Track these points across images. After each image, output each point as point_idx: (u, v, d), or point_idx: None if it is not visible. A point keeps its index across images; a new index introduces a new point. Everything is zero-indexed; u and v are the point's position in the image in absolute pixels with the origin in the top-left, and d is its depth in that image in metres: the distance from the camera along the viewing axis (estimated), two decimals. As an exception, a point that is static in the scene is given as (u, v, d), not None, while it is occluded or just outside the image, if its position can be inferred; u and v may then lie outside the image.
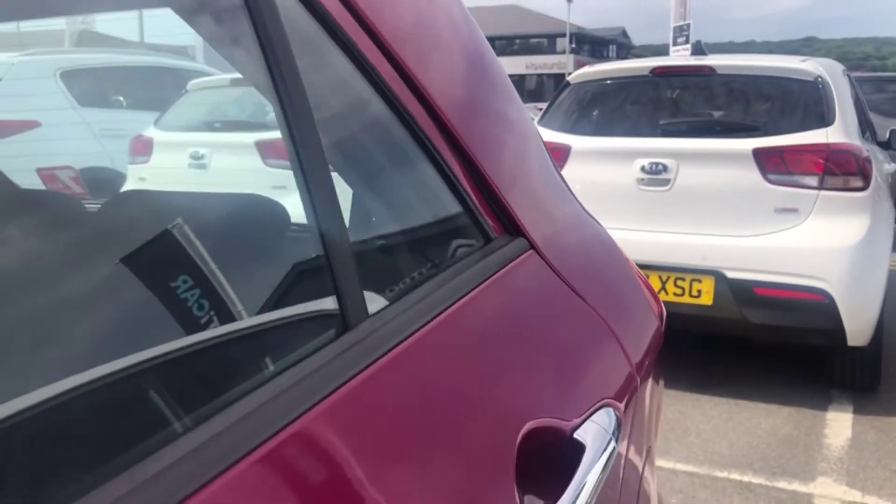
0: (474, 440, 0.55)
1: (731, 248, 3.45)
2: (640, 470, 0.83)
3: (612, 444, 0.64)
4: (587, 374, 0.73)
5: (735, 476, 2.93)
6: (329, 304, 0.52)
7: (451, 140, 0.69)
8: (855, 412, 3.51)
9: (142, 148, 5.14)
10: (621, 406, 0.72)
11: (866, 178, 3.40)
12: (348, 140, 0.65)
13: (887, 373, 3.80)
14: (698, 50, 4.25)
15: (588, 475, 0.61)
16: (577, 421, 0.66)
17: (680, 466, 2.99)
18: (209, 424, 0.43)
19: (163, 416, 0.46)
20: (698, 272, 3.50)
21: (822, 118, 3.51)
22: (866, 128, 4.31)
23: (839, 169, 3.38)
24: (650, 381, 0.86)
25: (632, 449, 0.77)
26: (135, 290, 0.61)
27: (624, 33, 66.76)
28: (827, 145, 3.40)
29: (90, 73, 5.89)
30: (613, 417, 0.68)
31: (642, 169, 3.61)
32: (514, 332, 0.69)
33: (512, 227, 0.76)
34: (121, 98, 5.77)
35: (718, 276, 3.47)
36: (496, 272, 0.69)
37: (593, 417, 0.67)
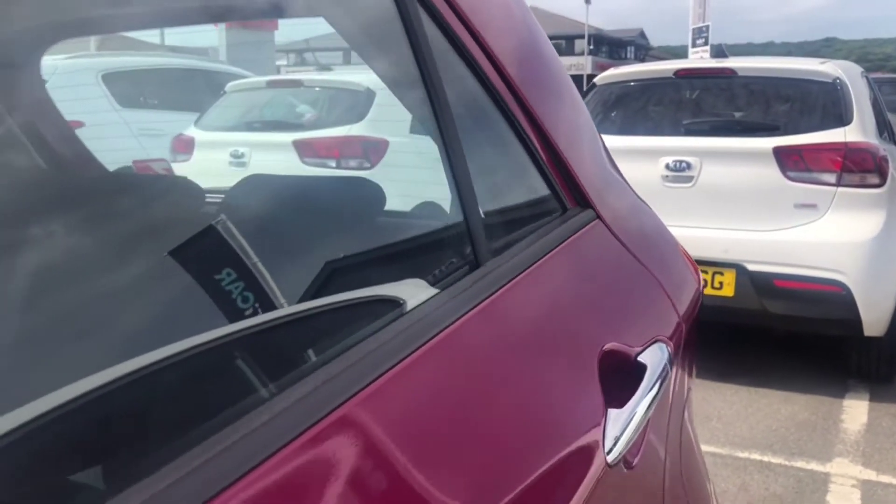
0: (571, 354, 0.74)
1: (752, 241, 3.61)
2: (684, 401, 1.01)
3: (666, 367, 0.83)
4: (645, 317, 0.92)
5: (756, 456, 3.09)
6: (468, 249, 0.71)
7: (538, 128, 0.88)
8: (871, 400, 3.66)
9: (183, 147, 5.35)
10: (671, 344, 0.91)
11: (883, 175, 3.55)
12: (465, 130, 0.84)
13: (903, 363, 3.94)
14: (719, 53, 4.42)
15: (649, 388, 0.79)
16: (639, 349, 0.84)
17: (703, 448, 3.15)
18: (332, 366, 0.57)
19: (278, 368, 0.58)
20: (720, 265, 3.66)
21: (840, 118, 3.66)
22: (884, 128, 4.45)
23: (856, 167, 3.53)
24: (691, 332, 1.05)
25: (677, 381, 0.95)
26: (290, 258, 0.79)
27: (642, 34, 66.68)
28: (845, 144, 3.55)
29: (129, 76, 6.14)
30: (665, 350, 0.86)
31: (667, 166, 3.78)
32: (589, 280, 0.87)
33: (582, 200, 0.95)
34: (157, 100, 6.01)
35: (740, 269, 3.63)
36: (572, 235, 0.88)
37: (651, 347, 0.85)
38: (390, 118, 4.91)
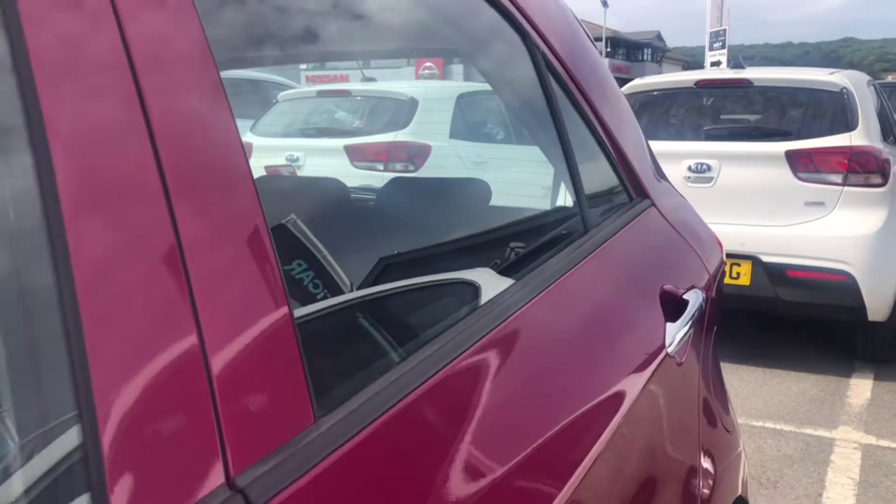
0: (644, 289, 1.15)
1: (766, 236, 4.01)
2: (713, 333, 1.43)
3: (701, 303, 1.24)
4: (686, 272, 1.33)
5: (769, 425, 3.49)
6: (580, 223, 1.14)
7: (612, 140, 1.30)
8: (875, 379, 4.04)
9: (241, 151, 5.78)
10: (704, 290, 1.32)
11: (885, 175, 3.94)
12: (573, 140, 1.26)
13: (906, 348, 4.33)
14: (737, 64, 4.81)
15: (691, 314, 1.20)
16: (683, 291, 1.25)
17: (722, 417, 3.55)
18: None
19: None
20: (738, 257, 4.05)
21: (847, 124, 4.05)
22: (889, 132, 4.82)
23: (861, 168, 3.92)
24: (718, 286, 1.48)
25: (708, 317, 1.37)
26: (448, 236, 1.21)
27: (659, 37, 66.77)
28: (850, 147, 3.94)
29: None
30: (700, 294, 1.28)
31: (689, 168, 4.19)
32: (651, 247, 1.29)
33: (641, 192, 1.37)
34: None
35: (755, 261, 4.02)
36: (637, 217, 1.30)
37: (691, 290, 1.26)
38: (432, 125, 5.34)
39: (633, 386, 0.99)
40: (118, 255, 0.46)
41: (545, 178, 1.58)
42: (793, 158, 4.01)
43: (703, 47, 21.97)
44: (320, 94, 5.83)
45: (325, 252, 0.99)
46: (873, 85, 4.94)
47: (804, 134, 4.11)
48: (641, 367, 1.04)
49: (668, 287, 1.22)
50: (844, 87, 4.22)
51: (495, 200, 1.58)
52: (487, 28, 1.14)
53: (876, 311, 3.90)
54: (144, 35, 0.50)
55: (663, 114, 4.63)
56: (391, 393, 0.64)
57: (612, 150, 1.30)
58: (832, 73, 4.45)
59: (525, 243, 1.18)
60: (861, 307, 3.88)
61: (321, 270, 0.96)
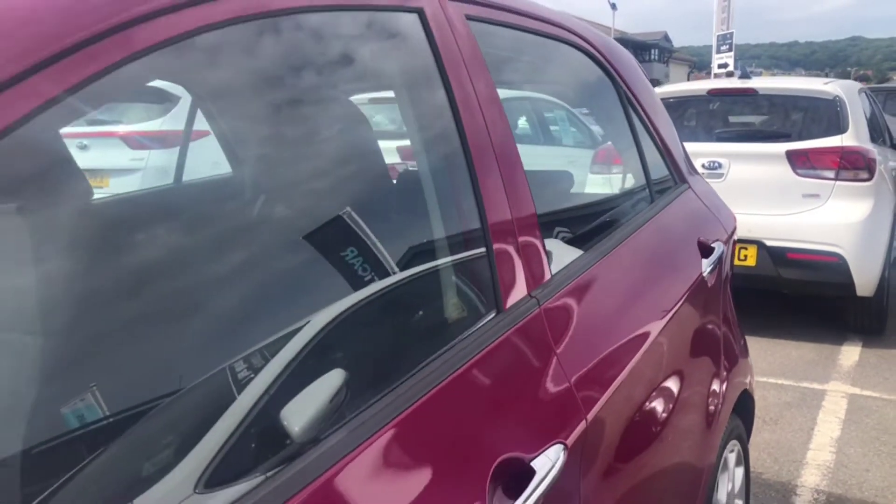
0: (686, 239, 1.84)
1: (770, 223, 4.68)
2: (729, 277, 2.12)
3: (723, 249, 1.93)
4: (713, 231, 2.01)
5: (772, 380, 4.16)
6: (648, 196, 1.82)
7: (662, 140, 1.98)
8: (863, 346, 4.70)
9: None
10: (723, 243, 2.01)
11: (871, 171, 4.60)
12: (642, 142, 1.93)
13: (892, 321, 5.00)
14: (744, 74, 5.48)
15: (716, 257, 1.89)
16: (711, 242, 1.93)
17: (732, 375, 4.22)
18: None
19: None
20: (745, 242, 4.72)
21: (839, 127, 4.72)
22: (879, 134, 5.49)
23: (850, 165, 4.58)
24: (730, 241, 2.17)
25: (726, 259, 2.06)
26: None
27: (666, 37, 67.30)
28: (842, 148, 4.61)
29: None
30: (722, 244, 1.96)
31: (703, 166, 4.85)
32: (690, 214, 1.98)
33: (681, 178, 2.05)
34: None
35: (760, 245, 4.69)
36: (679, 196, 1.98)
37: (716, 242, 1.94)
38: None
39: (682, 291, 1.67)
40: (492, 194, 1.14)
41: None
42: (792, 157, 4.67)
43: (710, 46, 22.52)
44: (373, 101, 6.37)
45: (375, 239, 1.12)
46: (864, 92, 5.60)
47: (802, 136, 4.78)
48: (686, 282, 1.72)
49: (701, 239, 1.90)
50: (837, 96, 4.89)
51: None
52: (595, 74, 1.84)
53: (863, 287, 4.56)
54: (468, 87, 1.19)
55: (679, 118, 5.30)
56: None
57: (664, 151, 1.99)
58: (827, 83, 5.12)
59: (612, 213, 1.86)
60: (851, 284, 4.55)
61: (369, 255, 1.08)
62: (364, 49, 1.12)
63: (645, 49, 63.39)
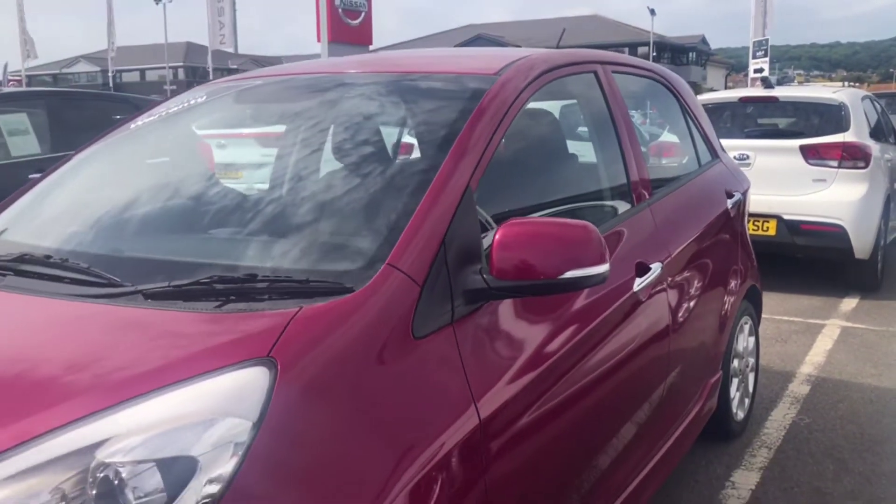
0: (719, 191, 3.21)
1: (786, 201, 6.00)
2: (745, 215, 3.48)
3: (739, 196, 3.30)
4: (734, 186, 3.34)
5: (785, 318, 5.49)
6: (696, 166, 3.21)
7: (704, 133, 3.36)
8: (861, 299, 6.01)
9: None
10: (741, 194, 3.38)
11: (867, 161, 5.91)
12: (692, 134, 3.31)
13: (886, 281, 6.30)
14: (768, 85, 6.81)
15: (739, 198, 3.27)
16: (733, 191, 3.30)
17: (755, 315, 5.56)
18: None
19: None
20: (767, 216, 6.05)
21: (842, 127, 6.03)
22: (882, 133, 6.77)
23: (850, 156, 5.90)
24: (747, 194, 3.54)
25: (744, 204, 3.43)
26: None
27: (703, 40, 67.92)
28: (844, 143, 5.92)
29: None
30: (739, 194, 3.33)
31: (734, 157, 6.19)
32: (721, 175, 3.33)
33: (715, 154, 3.42)
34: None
35: (779, 218, 6.02)
36: (715, 165, 3.35)
37: (736, 192, 3.32)
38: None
39: (714, 215, 3.07)
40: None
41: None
42: (805, 150, 6.00)
43: (747, 48, 23.51)
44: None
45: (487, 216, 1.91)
46: (868, 98, 6.90)
47: (813, 134, 6.11)
48: (717, 211, 3.11)
49: (727, 189, 3.29)
50: (842, 102, 6.20)
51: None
52: (668, 102, 3.25)
53: (861, 251, 5.88)
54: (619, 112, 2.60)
55: (717, 119, 6.64)
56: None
57: (705, 138, 3.38)
58: (835, 92, 6.45)
59: (681, 172, 3.25)
60: (850, 249, 5.86)
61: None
62: (576, 89, 2.55)
63: (682, 52, 64.13)
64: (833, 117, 6.15)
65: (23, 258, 1.81)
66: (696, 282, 2.82)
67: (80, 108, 6.76)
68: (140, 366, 1.33)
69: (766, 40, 22.14)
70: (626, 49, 56.54)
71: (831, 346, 4.85)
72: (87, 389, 1.29)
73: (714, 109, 6.68)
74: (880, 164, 6.20)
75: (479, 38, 61.90)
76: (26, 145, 6.17)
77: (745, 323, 3.54)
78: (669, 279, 2.54)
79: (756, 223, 6.08)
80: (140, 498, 1.14)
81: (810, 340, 4.96)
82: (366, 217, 1.74)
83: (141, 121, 2.47)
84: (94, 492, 1.15)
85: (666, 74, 3.28)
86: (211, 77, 34.15)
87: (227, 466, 1.19)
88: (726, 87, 55.55)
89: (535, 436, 1.77)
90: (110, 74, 31.92)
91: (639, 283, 2.29)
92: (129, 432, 1.19)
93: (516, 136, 2.15)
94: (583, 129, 2.87)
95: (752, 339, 3.64)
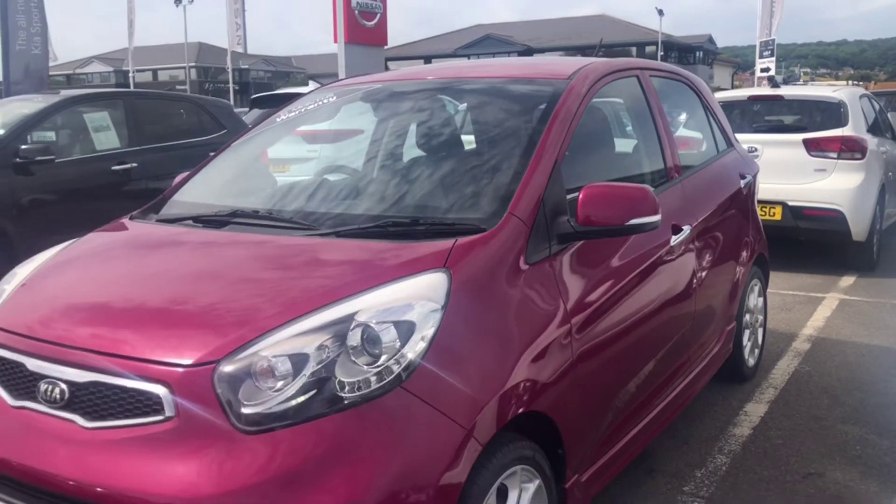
0: (733, 176, 3.90)
1: (791, 189, 6.67)
2: (756, 192, 4.15)
3: (750, 178, 3.97)
4: (746, 169, 4.01)
5: (790, 292, 6.17)
6: (715, 153, 3.89)
7: (722, 127, 4.03)
8: (858, 277, 6.68)
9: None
10: (751, 177, 4.05)
11: (863, 153, 6.58)
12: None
13: (882, 262, 6.97)
14: (774, 84, 7.49)
15: (752, 179, 3.96)
16: (745, 174, 3.98)
17: (763, 290, 6.24)
18: None
19: None
20: (773, 202, 6.72)
21: (841, 122, 6.70)
22: (880, 128, 7.44)
23: (848, 148, 6.57)
24: (756, 177, 4.22)
25: (754, 184, 4.10)
26: None
27: (710, 40, 68.42)
28: (842, 136, 6.59)
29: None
30: (750, 176, 4.01)
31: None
32: (735, 161, 4.00)
33: (730, 144, 4.09)
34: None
35: (784, 205, 6.69)
36: (730, 152, 4.02)
37: (748, 174, 3.99)
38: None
39: (730, 193, 3.75)
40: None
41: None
42: (807, 143, 6.68)
43: (753, 46, 24.17)
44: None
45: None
46: (867, 97, 7.58)
47: (814, 128, 6.79)
48: (732, 189, 3.79)
49: (740, 172, 3.98)
50: (841, 100, 6.88)
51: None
52: (692, 100, 3.94)
53: (858, 234, 6.55)
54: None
55: (729, 115, 7.31)
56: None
57: (722, 130, 4.06)
58: (835, 91, 7.12)
59: (703, 157, 3.93)
60: (848, 232, 6.54)
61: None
62: (624, 90, 3.24)
63: (689, 51, 64.66)
64: (833, 114, 6.83)
65: (235, 213, 2.52)
66: (715, 244, 3.50)
67: (150, 106, 7.47)
68: (365, 271, 2.03)
69: (773, 40, 22.70)
70: (634, 48, 57.10)
71: (830, 314, 5.53)
72: (332, 285, 1.99)
73: (725, 107, 7.30)
74: (876, 155, 6.86)
75: (487, 37, 62.52)
76: (108, 140, 6.88)
77: (755, 284, 4.22)
78: (696, 240, 3.23)
79: (763, 209, 6.75)
80: (384, 343, 1.83)
81: (811, 309, 5.64)
82: (492, 182, 2.44)
83: (284, 115, 3.19)
84: (351, 343, 1.84)
85: (689, 76, 3.97)
86: (230, 77, 34.92)
87: (430, 330, 1.88)
88: (733, 86, 56.12)
89: (601, 340, 2.46)
90: (131, 74, 32.69)
91: (675, 240, 2.98)
92: (370, 307, 1.88)
93: (582, 125, 2.84)
94: (628, 121, 3.55)
95: (760, 300, 4.33)
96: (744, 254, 3.92)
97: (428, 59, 63.23)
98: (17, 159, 6.18)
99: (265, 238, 2.34)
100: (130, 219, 2.76)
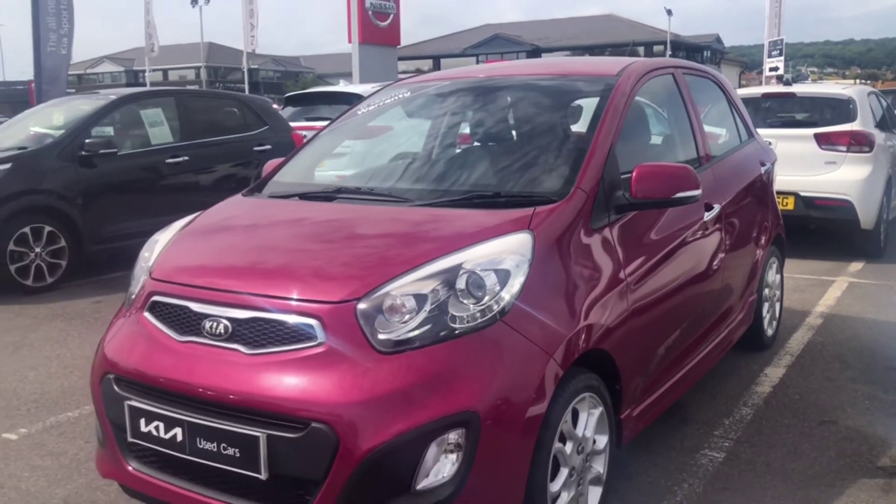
0: (755, 163, 4.34)
1: (803, 180, 7.10)
2: (773, 178, 4.59)
3: (769, 165, 4.41)
4: (766, 157, 4.44)
5: (803, 276, 6.60)
6: (738, 142, 4.33)
7: (744, 119, 4.47)
8: (866, 263, 7.11)
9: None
10: (769, 164, 4.48)
11: (871, 146, 7.01)
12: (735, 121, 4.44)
13: (889, 250, 7.41)
14: (786, 83, 7.92)
15: (770, 166, 4.40)
16: (765, 161, 4.41)
17: (777, 274, 6.67)
18: None
19: None
20: (786, 193, 7.15)
21: (850, 118, 7.14)
22: (885, 123, 7.87)
23: (857, 142, 7.00)
24: (773, 165, 4.66)
25: (771, 172, 4.53)
26: None
27: (718, 39, 68.71)
28: (851, 131, 7.03)
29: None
30: (769, 164, 4.44)
31: (758, 143, 7.31)
32: (756, 151, 4.45)
33: (751, 134, 4.53)
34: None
35: (796, 195, 7.13)
36: (752, 141, 4.47)
37: (767, 162, 4.43)
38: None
39: (752, 179, 4.19)
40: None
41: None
42: (818, 138, 7.11)
43: (760, 45, 24.46)
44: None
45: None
46: (875, 94, 8.01)
47: (825, 123, 7.22)
48: (756, 173, 4.24)
49: (760, 159, 4.42)
50: (851, 97, 7.31)
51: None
52: (718, 95, 4.38)
53: (866, 222, 6.99)
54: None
55: (742, 113, 7.76)
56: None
57: (744, 123, 4.50)
58: (844, 88, 7.56)
59: (728, 146, 4.37)
60: (857, 220, 6.97)
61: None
62: (662, 86, 3.69)
63: (697, 51, 64.96)
64: (843, 110, 7.26)
65: (339, 189, 2.98)
66: (740, 222, 3.95)
67: (199, 104, 7.96)
68: (465, 231, 2.49)
69: (781, 40, 23.16)
70: (643, 48, 57.42)
71: (840, 294, 5.97)
72: (441, 242, 2.44)
73: (740, 103, 7.79)
74: (883, 149, 7.29)
75: (496, 37, 62.99)
76: (162, 135, 7.37)
77: (773, 262, 4.66)
78: (724, 218, 3.68)
79: (777, 199, 7.18)
80: (487, 287, 2.28)
81: (823, 290, 6.08)
82: (563, 162, 2.90)
83: (364, 109, 3.66)
84: (459, 287, 2.30)
85: (716, 74, 4.42)
86: (246, 77, 35.45)
87: (522, 278, 2.34)
88: (740, 85, 56.42)
89: (649, 297, 2.91)
90: (147, 74, 33.23)
91: (707, 216, 3.44)
92: (473, 259, 2.34)
93: (629, 116, 3.30)
94: (666, 113, 4.00)
95: (777, 276, 4.77)
96: (764, 232, 4.36)
97: (437, 59, 63.73)
98: (83, 152, 6.68)
99: (375, 208, 2.81)
100: (243, 196, 3.23)
